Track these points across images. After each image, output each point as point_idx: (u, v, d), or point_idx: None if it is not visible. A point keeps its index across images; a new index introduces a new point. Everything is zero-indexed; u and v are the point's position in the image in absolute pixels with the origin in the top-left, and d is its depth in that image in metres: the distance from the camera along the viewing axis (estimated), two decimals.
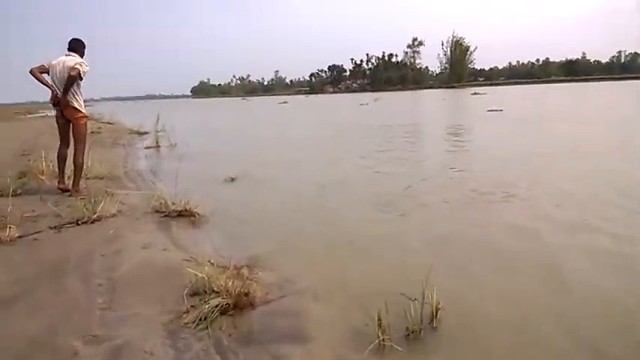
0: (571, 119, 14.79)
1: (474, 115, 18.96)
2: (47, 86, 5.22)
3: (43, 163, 6.39)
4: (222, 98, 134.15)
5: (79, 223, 4.12)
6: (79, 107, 5.34)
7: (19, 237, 3.77)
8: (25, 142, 10.97)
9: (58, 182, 5.52)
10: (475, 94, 46.33)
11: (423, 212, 4.71)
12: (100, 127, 16.31)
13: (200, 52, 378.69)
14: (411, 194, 5.43)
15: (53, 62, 5.23)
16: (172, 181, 4.95)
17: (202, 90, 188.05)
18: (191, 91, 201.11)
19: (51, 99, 5.28)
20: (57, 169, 5.58)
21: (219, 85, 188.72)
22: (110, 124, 20.91)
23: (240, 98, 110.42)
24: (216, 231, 4.26)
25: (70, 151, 5.49)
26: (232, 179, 6.70)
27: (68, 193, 5.39)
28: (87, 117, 5.54)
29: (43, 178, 5.88)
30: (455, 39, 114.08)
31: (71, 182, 5.49)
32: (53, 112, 5.52)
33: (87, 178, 6.23)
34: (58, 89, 5.19)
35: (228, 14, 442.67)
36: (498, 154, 8.09)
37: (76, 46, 5.41)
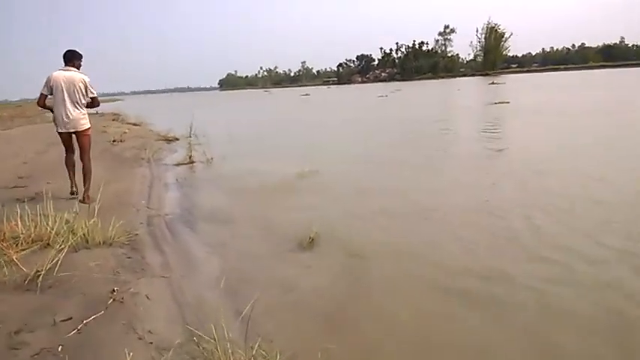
0: (574, 111, 14.98)
1: (473, 108, 19.81)
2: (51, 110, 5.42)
3: (20, 221, 4.06)
4: (248, 90, 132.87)
5: None
6: (87, 123, 5.52)
7: None
8: (28, 160, 8.80)
9: (71, 187, 5.71)
10: (493, 83, 46.23)
11: None
12: (124, 132, 14.15)
13: (227, 44, 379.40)
14: None
15: (54, 80, 5.23)
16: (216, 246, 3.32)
17: (229, 82, 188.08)
18: (219, 84, 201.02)
19: (58, 120, 5.36)
20: (69, 177, 5.76)
21: (247, 77, 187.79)
22: (136, 125, 18.83)
23: (263, 90, 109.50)
24: None
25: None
26: (311, 241, 4.23)
27: (78, 198, 5.40)
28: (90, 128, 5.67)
29: (12, 252, 3.52)
30: (490, 25, 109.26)
31: (83, 189, 5.53)
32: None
33: (86, 248, 3.89)
34: (65, 109, 5.29)
35: (254, 5, 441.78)
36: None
37: (72, 58, 5.38)
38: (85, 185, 5.51)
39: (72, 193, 5.65)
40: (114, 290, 3.11)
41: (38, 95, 5.36)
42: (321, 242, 4.25)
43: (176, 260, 3.91)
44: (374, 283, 3.41)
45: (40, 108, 5.50)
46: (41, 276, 3.24)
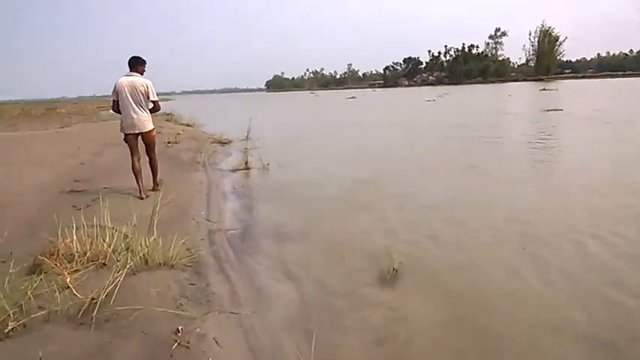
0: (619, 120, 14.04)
1: (524, 115, 18.33)
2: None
3: (75, 235, 3.70)
4: (294, 92, 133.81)
5: None
6: (151, 125, 5.87)
7: None
8: (85, 161, 8.70)
9: (139, 194, 5.82)
10: (544, 89, 43.68)
11: None
12: (179, 133, 14.08)
13: (275, 46, 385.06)
14: None
15: (119, 86, 5.59)
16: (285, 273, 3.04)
17: (276, 83, 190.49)
18: (266, 85, 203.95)
19: (125, 123, 5.71)
20: (137, 183, 5.88)
21: (293, 78, 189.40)
22: (189, 126, 18.89)
23: (309, 92, 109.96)
24: None
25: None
26: (395, 271, 3.65)
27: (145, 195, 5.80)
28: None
29: (66, 274, 3.16)
30: (544, 29, 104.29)
31: (151, 181, 6.21)
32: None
33: (146, 270, 3.49)
34: (131, 112, 5.63)
35: (302, 6, 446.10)
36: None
37: (135, 64, 5.72)
38: (153, 176, 6.22)
39: (141, 198, 5.77)
40: (178, 330, 2.65)
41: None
42: (405, 273, 3.66)
43: (244, 290, 3.41)
44: (485, 337, 2.77)
45: (114, 112, 5.90)
46: (98, 305, 2.85)
